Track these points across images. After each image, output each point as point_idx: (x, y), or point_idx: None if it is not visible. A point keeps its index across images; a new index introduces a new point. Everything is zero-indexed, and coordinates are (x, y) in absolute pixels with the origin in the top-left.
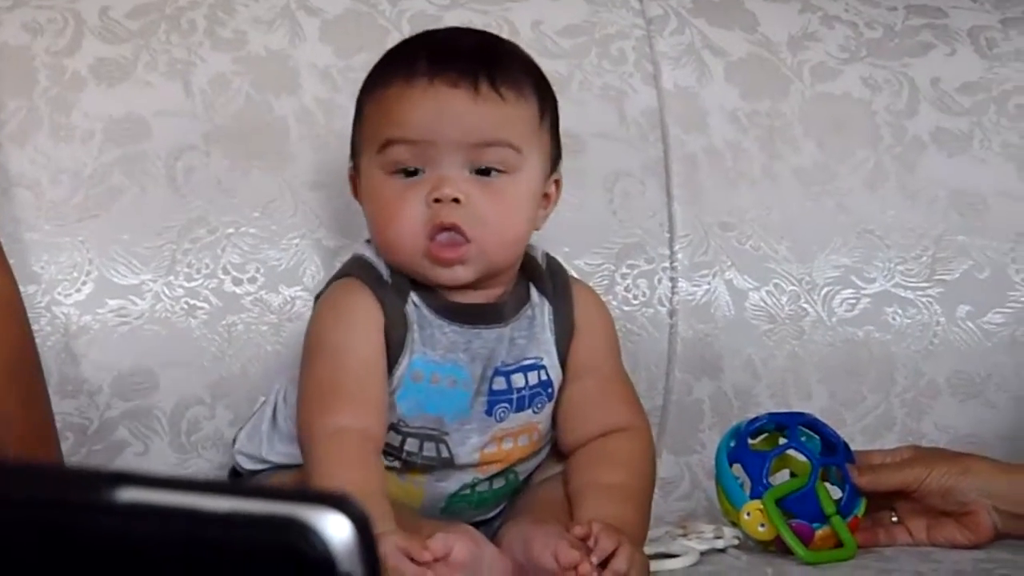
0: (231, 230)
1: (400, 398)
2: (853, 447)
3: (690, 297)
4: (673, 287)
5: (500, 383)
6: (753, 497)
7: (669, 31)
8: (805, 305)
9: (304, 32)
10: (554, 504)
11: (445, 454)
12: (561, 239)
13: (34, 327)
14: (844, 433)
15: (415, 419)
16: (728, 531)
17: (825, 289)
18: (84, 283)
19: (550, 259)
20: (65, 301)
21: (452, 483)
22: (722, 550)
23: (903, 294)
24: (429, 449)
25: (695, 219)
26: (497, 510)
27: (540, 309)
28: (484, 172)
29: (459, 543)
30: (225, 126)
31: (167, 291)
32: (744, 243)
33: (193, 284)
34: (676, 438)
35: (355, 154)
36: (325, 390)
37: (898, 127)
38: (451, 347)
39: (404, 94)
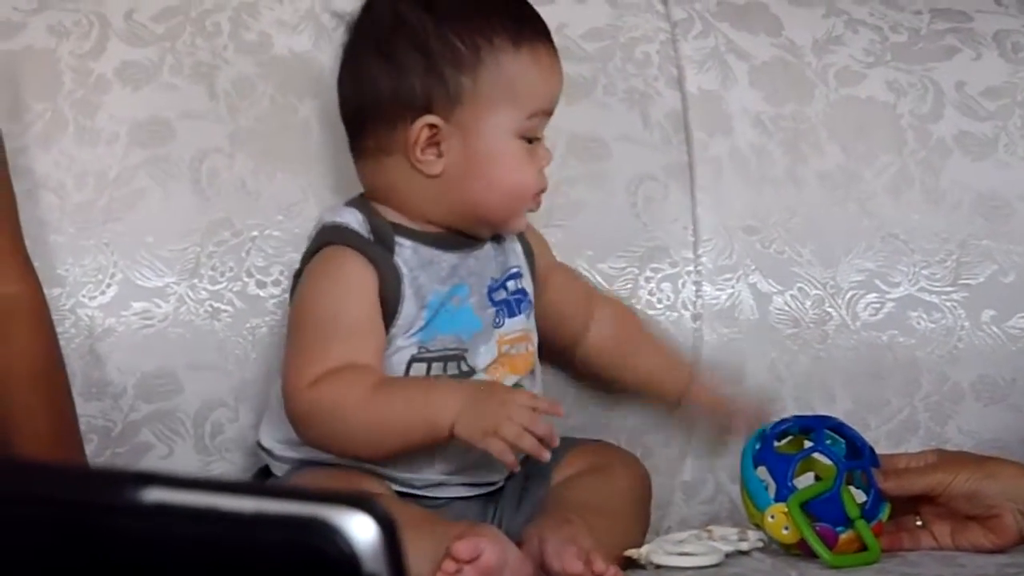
0: (255, 233)
1: (420, 333)
2: (877, 451)
3: (714, 301)
4: (697, 291)
5: (500, 294)
6: (778, 500)
7: (694, 35)
8: (829, 309)
9: (329, 34)
10: (573, 505)
11: (465, 368)
12: (585, 243)
13: (58, 330)
14: (868, 437)
15: (435, 343)
16: (752, 534)
17: (849, 293)
18: (108, 286)
19: None
20: (89, 304)
21: None
22: (746, 552)
23: (927, 298)
24: (452, 368)
25: (719, 223)
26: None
27: None
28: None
29: (489, 547)
30: (249, 129)
31: (191, 294)
32: (768, 247)
33: (217, 287)
34: (700, 442)
35: (453, 100)
36: (313, 352)
37: (923, 131)
38: (452, 272)
39: (541, 62)
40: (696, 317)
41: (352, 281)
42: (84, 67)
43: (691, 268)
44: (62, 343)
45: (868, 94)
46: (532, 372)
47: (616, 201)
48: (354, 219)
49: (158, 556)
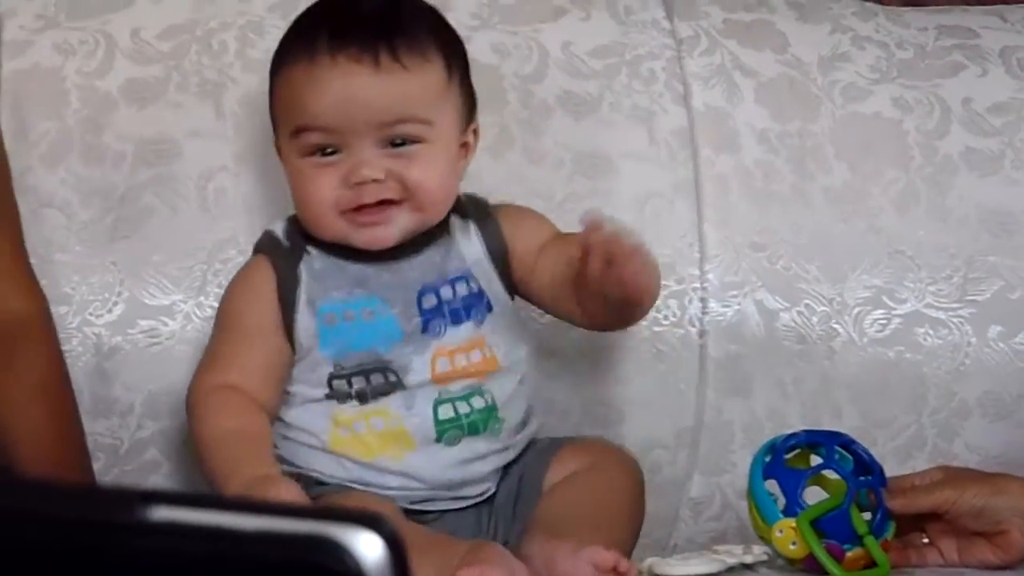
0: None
1: (322, 348)
2: (885, 469)
3: (720, 317)
4: (703, 307)
5: (430, 300)
6: (787, 515)
7: (699, 51)
8: (836, 325)
9: None
10: (568, 511)
11: (393, 379)
12: None
13: (65, 348)
14: (875, 453)
15: (348, 359)
16: (757, 548)
17: (856, 309)
18: (115, 304)
19: (469, 194)
20: (96, 322)
21: (423, 405)
22: (750, 566)
23: (934, 315)
24: (376, 379)
25: (725, 239)
26: (498, 448)
27: (462, 228)
28: (398, 143)
29: (494, 573)
30: (255, 147)
31: (198, 311)
32: (775, 263)
33: None
34: (707, 458)
35: (275, 128)
36: (210, 357)
37: (929, 147)
38: (359, 283)
39: (310, 75)
40: (702, 333)
41: (251, 284)
42: (90, 85)
43: (697, 285)
44: (69, 361)
45: (874, 110)
46: (494, 376)
47: (622, 218)
48: (280, 227)
49: (165, 574)
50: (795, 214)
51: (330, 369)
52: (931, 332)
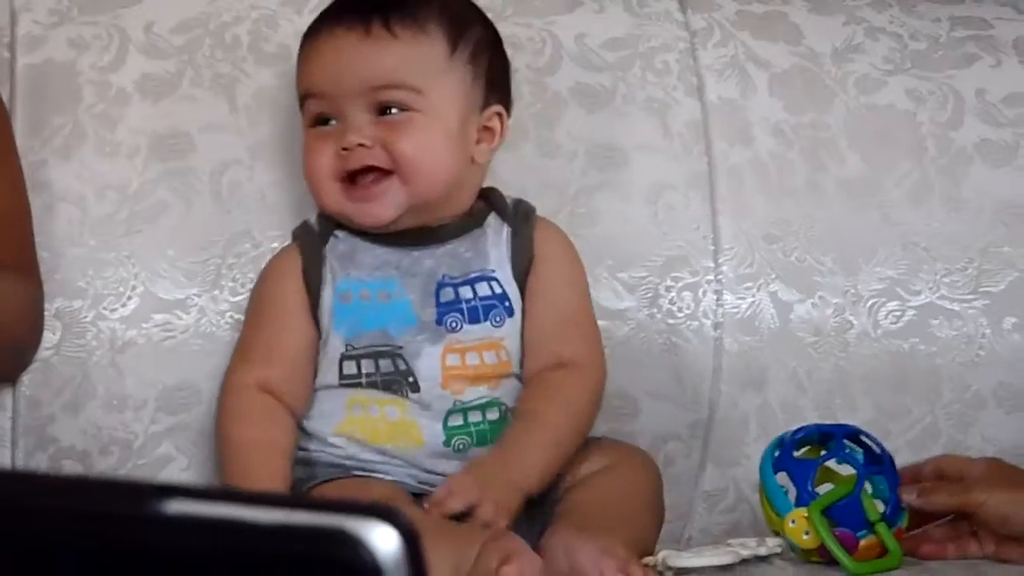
0: (276, 244)
1: (336, 326)
2: (898, 459)
3: (735, 310)
4: (718, 300)
5: (448, 294)
6: (799, 505)
7: (713, 43)
8: (850, 317)
9: None
10: (593, 508)
11: (402, 367)
12: (605, 252)
13: (79, 342)
14: (889, 445)
15: (359, 339)
16: (771, 540)
17: (870, 301)
18: (130, 298)
19: (521, 200)
20: (111, 316)
21: (436, 410)
22: (765, 558)
23: (949, 306)
24: (386, 366)
25: (740, 231)
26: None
27: (495, 229)
28: (388, 112)
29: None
30: (269, 140)
31: (212, 305)
32: (789, 255)
33: (238, 298)
34: (721, 451)
35: None
36: (240, 347)
37: (943, 139)
38: (380, 265)
39: (312, 46)
40: (717, 326)
41: (278, 269)
42: (104, 80)
43: (711, 277)
44: (82, 355)
45: (888, 102)
46: (501, 382)
47: (636, 210)
48: (315, 215)
49: (180, 568)
50: (809, 206)
51: (342, 349)
52: (945, 323)
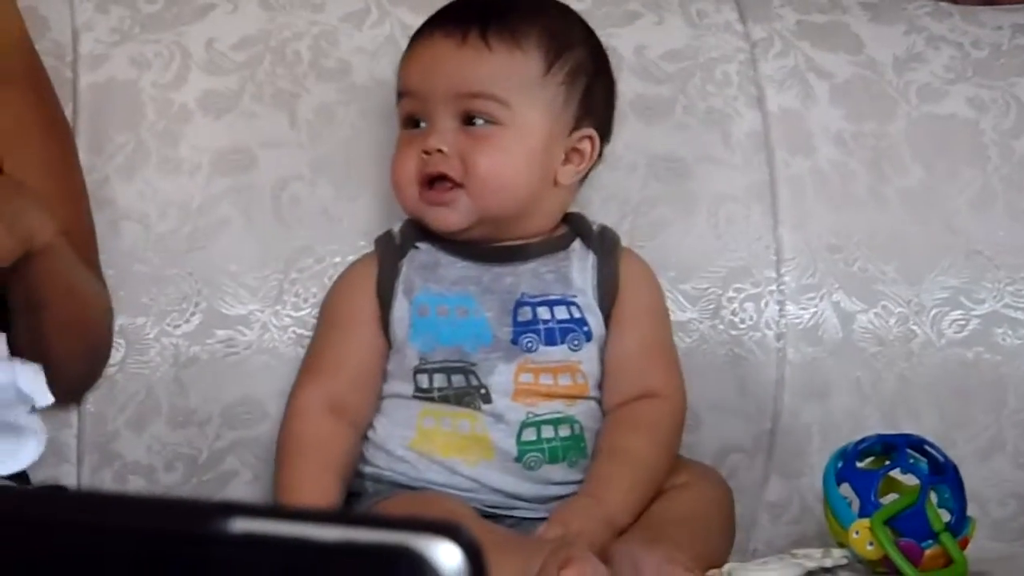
0: (337, 259)
1: (412, 338)
2: (963, 469)
3: (797, 320)
4: (780, 310)
5: (525, 313)
6: (862, 515)
7: (773, 54)
8: (914, 327)
9: None
10: (665, 523)
11: (475, 382)
12: (667, 263)
13: (143, 358)
14: (954, 455)
15: (434, 354)
16: (836, 551)
17: (934, 311)
18: (193, 314)
19: (607, 228)
20: (174, 332)
21: (509, 421)
22: (830, 570)
23: (1013, 314)
24: (458, 381)
25: (802, 242)
26: (576, 479)
27: (580, 256)
28: (473, 122)
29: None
30: (330, 156)
31: (275, 321)
32: (852, 265)
33: (300, 313)
34: (785, 462)
35: None
36: (308, 359)
37: (1005, 147)
38: (459, 280)
39: (413, 47)
40: (780, 336)
41: (350, 279)
42: (166, 97)
43: (774, 287)
44: (146, 372)
45: (950, 111)
46: (577, 402)
47: (698, 221)
48: (399, 225)
49: None
50: (871, 215)
51: (416, 362)
52: (1010, 332)
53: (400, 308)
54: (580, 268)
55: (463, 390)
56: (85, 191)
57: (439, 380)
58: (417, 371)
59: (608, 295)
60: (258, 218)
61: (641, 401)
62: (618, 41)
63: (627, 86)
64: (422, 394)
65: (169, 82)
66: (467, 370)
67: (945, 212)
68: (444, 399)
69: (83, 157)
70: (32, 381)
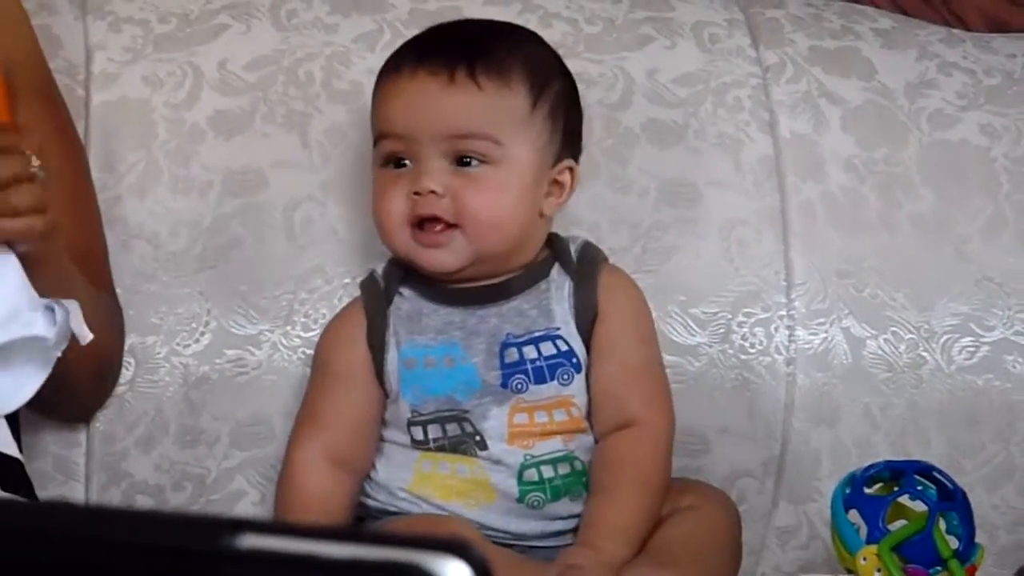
0: (347, 280)
1: (403, 392)
2: (972, 496)
3: (807, 345)
4: (790, 335)
5: (512, 355)
6: (870, 542)
7: (785, 79)
8: (924, 353)
9: None
10: (673, 546)
11: (469, 429)
12: (677, 288)
13: (152, 378)
14: (963, 482)
15: (426, 405)
16: None
17: (944, 337)
18: (202, 334)
19: (586, 245)
20: (184, 352)
21: (508, 464)
22: None
23: (1023, 342)
24: (453, 430)
25: (812, 267)
26: (579, 512)
27: (558, 284)
28: (465, 162)
29: None
30: (342, 177)
31: (284, 341)
32: (862, 291)
33: (310, 334)
34: (794, 487)
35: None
36: (304, 412)
37: (1017, 174)
38: (444, 328)
39: (393, 85)
40: (789, 361)
41: (341, 331)
42: (178, 117)
43: (784, 312)
44: (156, 391)
45: (962, 137)
46: (575, 436)
47: (708, 246)
48: (382, 267)
49: None
50: (882, 241)
51: (408, 414)
52: (1020, 360)
53: (392, 361)
54: (558, 298)
55: (458, 438)
56: (98, 208)
57: (434, 431)
58: (411, 423)
59: (586, 322)
60: (269, 238)
61: (622, 434)
62: (630, 65)
63: (639, 110)
64: (418, 445)
65: (181, 101)
66: (460, 418)
67: (956, 239)
68: (440, 448)
69: (95, 175)
70: (79, 318)
